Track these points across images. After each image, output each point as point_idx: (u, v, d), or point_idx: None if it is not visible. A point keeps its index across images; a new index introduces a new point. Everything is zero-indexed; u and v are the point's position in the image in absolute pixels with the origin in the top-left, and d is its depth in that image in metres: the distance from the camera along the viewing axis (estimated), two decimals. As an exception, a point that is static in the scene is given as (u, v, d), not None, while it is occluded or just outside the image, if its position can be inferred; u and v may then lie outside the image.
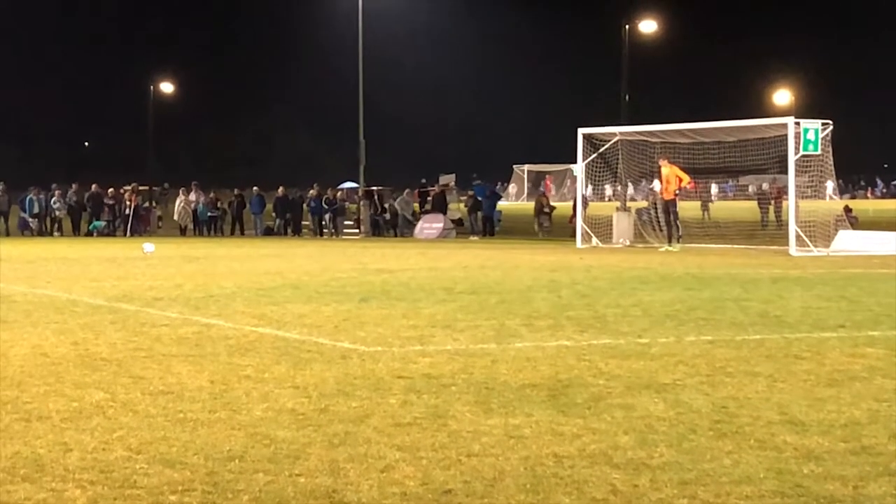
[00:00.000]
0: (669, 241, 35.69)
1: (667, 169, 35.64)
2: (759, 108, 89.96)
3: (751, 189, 63.06)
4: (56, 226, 51.58)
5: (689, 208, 40.67)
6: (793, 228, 33.81)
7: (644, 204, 45.70)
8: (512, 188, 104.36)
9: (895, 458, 7.82)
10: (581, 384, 10.57)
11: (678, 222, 36.00)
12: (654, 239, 37.84)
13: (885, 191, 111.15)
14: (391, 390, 10.26)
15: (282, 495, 7.00)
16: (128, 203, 51.73)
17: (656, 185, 39.62)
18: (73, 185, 53.88)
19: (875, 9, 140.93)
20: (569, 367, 11.54)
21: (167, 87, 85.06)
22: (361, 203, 54.01)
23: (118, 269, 26.77)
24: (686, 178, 36.08)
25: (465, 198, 53.41)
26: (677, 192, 35.55)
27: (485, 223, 50.01)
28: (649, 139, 38.97)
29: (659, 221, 37.89)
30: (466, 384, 10.56)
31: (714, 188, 56.97)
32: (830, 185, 36.14)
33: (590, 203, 44.80)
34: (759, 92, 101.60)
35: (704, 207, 51.40)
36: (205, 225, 53.34)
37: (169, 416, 9.18)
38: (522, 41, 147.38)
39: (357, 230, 52.58)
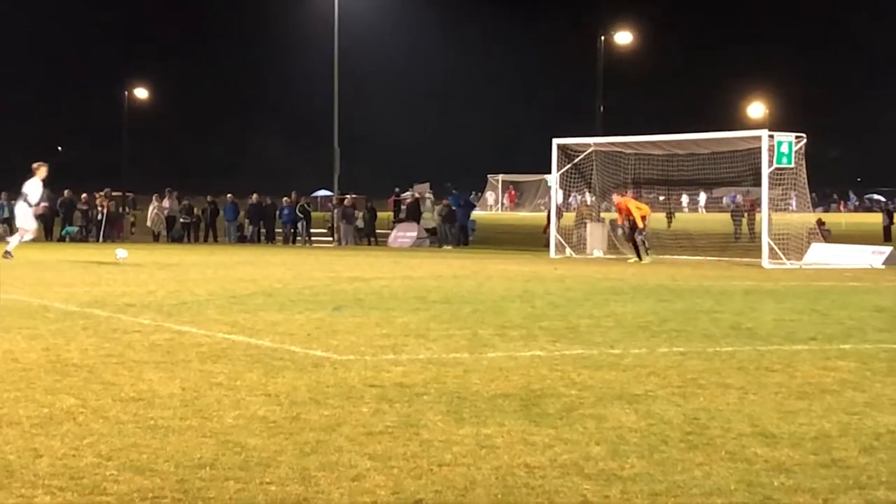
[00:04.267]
0: (639, 257, 35.70)
1: (623, 202, 35.72)
2: (734, 121, 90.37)
3: (724, 201, 63.22)
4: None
5: (653, 220, 40.74)
6: (766, 241, 33.93)
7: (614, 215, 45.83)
8: (489, 196, 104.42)
9: (865, 471, 7.84)
10: (553, 394, 10.57)
11: (643, 236, 36.01)
12: (628, 250, 37.90)
13: (857, 204, 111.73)
14: (363, 399, 10.24)
15: (252, 503, 6.98)
16: (100, 209, 51.54)
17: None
18: (46, 191, 53.59)
19: (850, 24, 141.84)
20: (541, 377, 11.55)
21: (141, 93, 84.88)
22: (335, 211, 54.04)
23: (90, 274, 26.66)
24: (645, 209, 36.03)
25: (438, 206, 53.44)
26: (642, 227, 35.48)
27: (459, 232, 50.06)
28: (623, 150, 39.08)
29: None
30: (439, 393, 10.55)
31: (685, 199, 57.15)
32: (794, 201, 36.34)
33: (564, 213, 44.83)
34: (733, 104, 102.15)
35: (669, 218, 51.51)
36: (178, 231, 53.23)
37: (140, 422, 9.14)
38: (498, 51, 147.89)
39: (330, 238, 52.58)
